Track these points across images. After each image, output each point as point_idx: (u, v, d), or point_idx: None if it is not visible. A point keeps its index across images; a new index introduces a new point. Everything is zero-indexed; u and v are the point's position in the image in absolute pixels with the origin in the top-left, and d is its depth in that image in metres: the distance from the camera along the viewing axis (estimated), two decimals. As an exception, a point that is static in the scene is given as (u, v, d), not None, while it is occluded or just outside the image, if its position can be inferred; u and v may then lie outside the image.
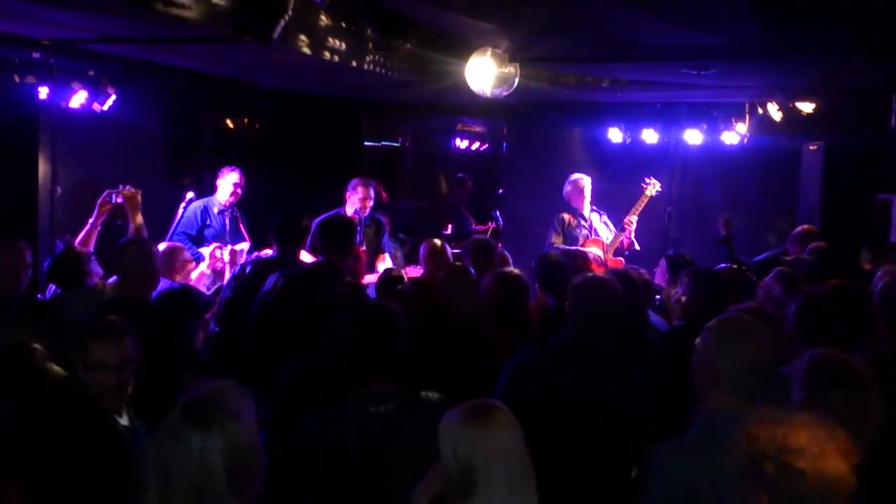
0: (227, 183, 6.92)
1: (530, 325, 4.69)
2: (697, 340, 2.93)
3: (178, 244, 6.03)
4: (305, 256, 5.93)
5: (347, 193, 7.08)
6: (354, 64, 6.21)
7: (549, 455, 3.37)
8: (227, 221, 6.82)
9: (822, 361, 2.80)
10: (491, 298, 4.50)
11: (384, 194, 10.40)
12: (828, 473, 2.07)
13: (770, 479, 2.13)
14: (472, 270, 4.83)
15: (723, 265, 5.59)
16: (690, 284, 4.60)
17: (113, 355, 3.16)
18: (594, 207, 7.94)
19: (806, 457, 2.08)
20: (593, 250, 7.48)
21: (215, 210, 6.92)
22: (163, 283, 5.01)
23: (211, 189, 7.11)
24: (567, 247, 7.52)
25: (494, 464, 2.44)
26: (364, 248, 6.69)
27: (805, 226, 7.34)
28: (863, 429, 2.67)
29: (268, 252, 6.03)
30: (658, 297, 6.07)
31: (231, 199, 6.92)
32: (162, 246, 5.58)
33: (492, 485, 2.44)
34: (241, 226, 6.89)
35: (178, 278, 5.42)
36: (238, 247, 6.56)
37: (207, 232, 6.86)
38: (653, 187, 7.94)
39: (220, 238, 6.71)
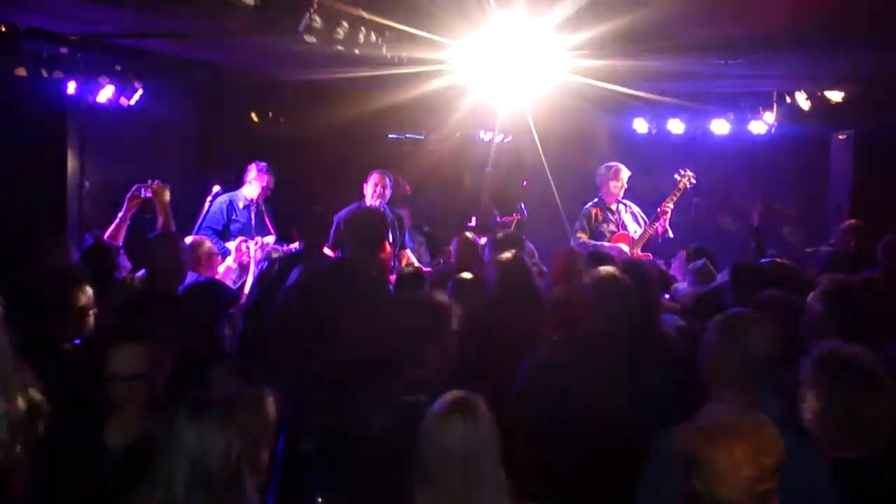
0: (257, 183, 6.94)
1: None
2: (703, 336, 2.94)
3: (204, 238, 6.06)
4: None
5: (364, 186, 7.09)
6: (379, 57, 6.19)
7: (568, 453, 3.39)
8: (253, 215, 6.85)
9: (830, 356, 2.75)
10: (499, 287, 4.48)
11: (407, 187, 10.39)
12: (721, 498, 2.11)
13: (680, 485, 2.20)
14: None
15: (767, 259, 5.48)
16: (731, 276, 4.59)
17: (126, 367, 3.01)
18: (620, 199, 7.87)
19: (704, 480, 2.12)
20: (620, 247, 7.43)
21: (241, 204, 6.94)
22: (189, 277, 5.05)
23: (237, 183, 7.13)
24: (595, 242, 7.47)
25: (448, 458, 2.44)
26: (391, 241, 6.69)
27: (853, 220, 7.16)
28: (873, 426, 2.66)
29: (294, 246, 6.05)
30: (677, 285, 6.01)
31: (260, 196, 6.94)
32: (189, 240, 5.61)
33: (443, 479, 2.44)
34: (267, 219, 6.92)
35: (205, 272, 5.44)
36: (264, 240, 6.58)
37: (233, 226, 6.89)
38: (687, 179, 7.87)
39: (246, 232, 6.73)
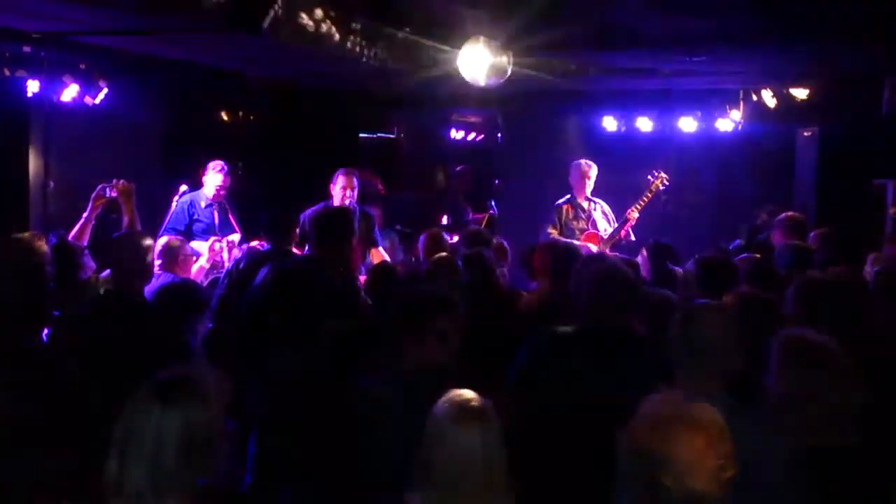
0: (211, 184, 6.88)
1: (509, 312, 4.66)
2: None
3: (179, 238, 5.99)
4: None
5: (330, 186, 7.05)
6: (347, 54, 6.18)
7: (563, 439, 3.40)
8: (216, 214, 6.79)
9: (793, 341, 2.83)
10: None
11: (380, 186, 10.38)
12: (693, 490, 2.11)
13: (644, 481, 2.18)
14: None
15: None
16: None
17: None
18: (591, 197, 7.91)
19: (672, 474, 2.11)
20: (588, 246, 7.46)
21: (202, 204, 6.87)
22: (164, 278, 5.01)
23: (205, 182, 7.08)
24: (565, 239, 7.49)
25: (451, 463, 2.42)
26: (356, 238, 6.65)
27: (790, 213, 7.20)
28: (836, 407, 2.71)
29: (259, 242, 6.01)
30: None
31: (216, 196, 6.88)
32: (163, 240, 5.55)
33: (443, 483, 2.42)
34: (231, 217, 6.86)
35: (181, 273, 5.39)
36: (230, 238, 6.54)
37: (196, 226, 6.82)
38: (660, 181, 7.93)
39: (210, 231, 6.68)
